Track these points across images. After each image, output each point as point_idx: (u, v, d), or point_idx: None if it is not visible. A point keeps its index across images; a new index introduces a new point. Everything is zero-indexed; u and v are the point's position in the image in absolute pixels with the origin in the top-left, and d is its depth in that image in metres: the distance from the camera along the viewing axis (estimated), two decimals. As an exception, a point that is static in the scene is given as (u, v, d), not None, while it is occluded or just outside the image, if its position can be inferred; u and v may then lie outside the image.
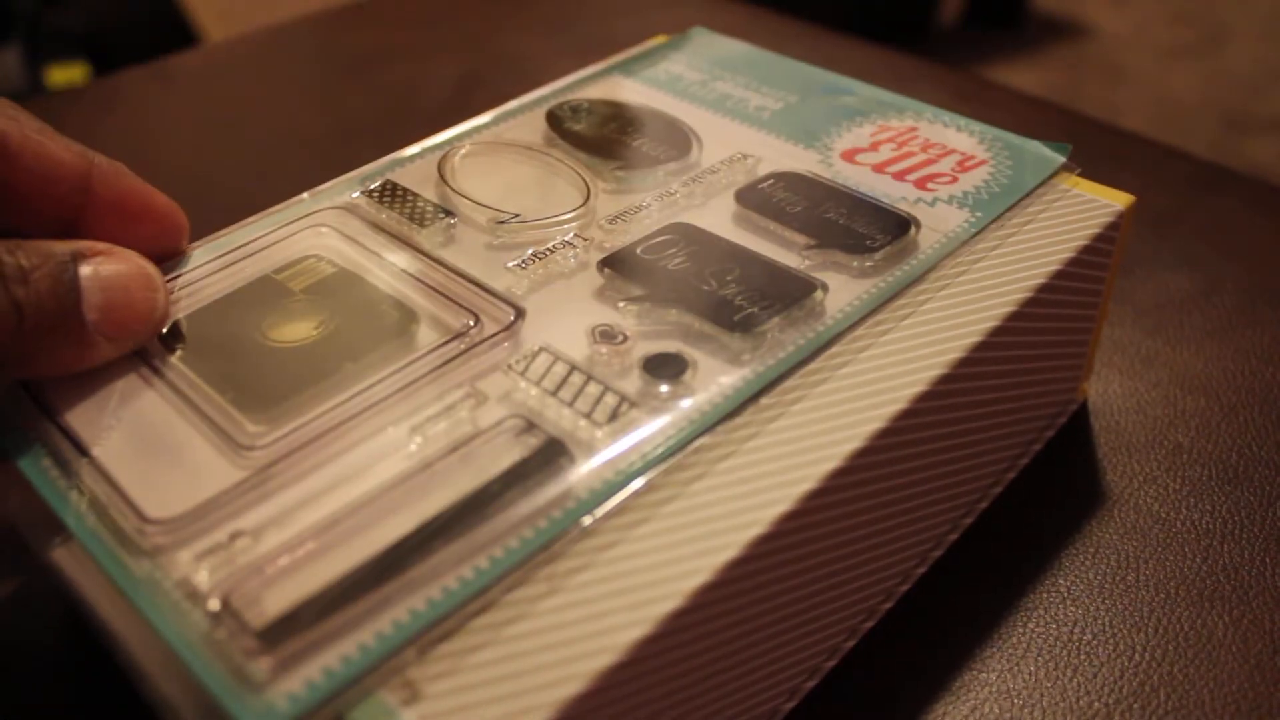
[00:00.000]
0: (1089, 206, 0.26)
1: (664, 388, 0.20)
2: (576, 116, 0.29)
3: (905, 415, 0.21)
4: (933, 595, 0.24)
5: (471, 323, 0.22)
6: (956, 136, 0.28)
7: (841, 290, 0.23)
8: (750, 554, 0.18)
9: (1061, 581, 0.25)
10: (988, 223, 0.25)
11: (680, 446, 0.19)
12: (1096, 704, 0.22)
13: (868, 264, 0.23)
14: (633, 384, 0.20)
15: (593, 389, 0.20)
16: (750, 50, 0.33)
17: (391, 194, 0.26)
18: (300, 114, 0.47)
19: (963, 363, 0.22)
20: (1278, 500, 0.27)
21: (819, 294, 0.22)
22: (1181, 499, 0.27)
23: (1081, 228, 0.25)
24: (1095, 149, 0.42)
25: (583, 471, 0.19)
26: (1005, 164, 0.27)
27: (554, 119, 0.29)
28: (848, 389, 0.21)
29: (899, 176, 0.26)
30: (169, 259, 0.24)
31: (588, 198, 0.26)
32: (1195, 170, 0.40)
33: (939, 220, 0.25)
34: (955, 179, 0.26)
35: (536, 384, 0.20)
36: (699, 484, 0.19)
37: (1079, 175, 0.27)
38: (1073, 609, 0.24)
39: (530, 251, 0.24)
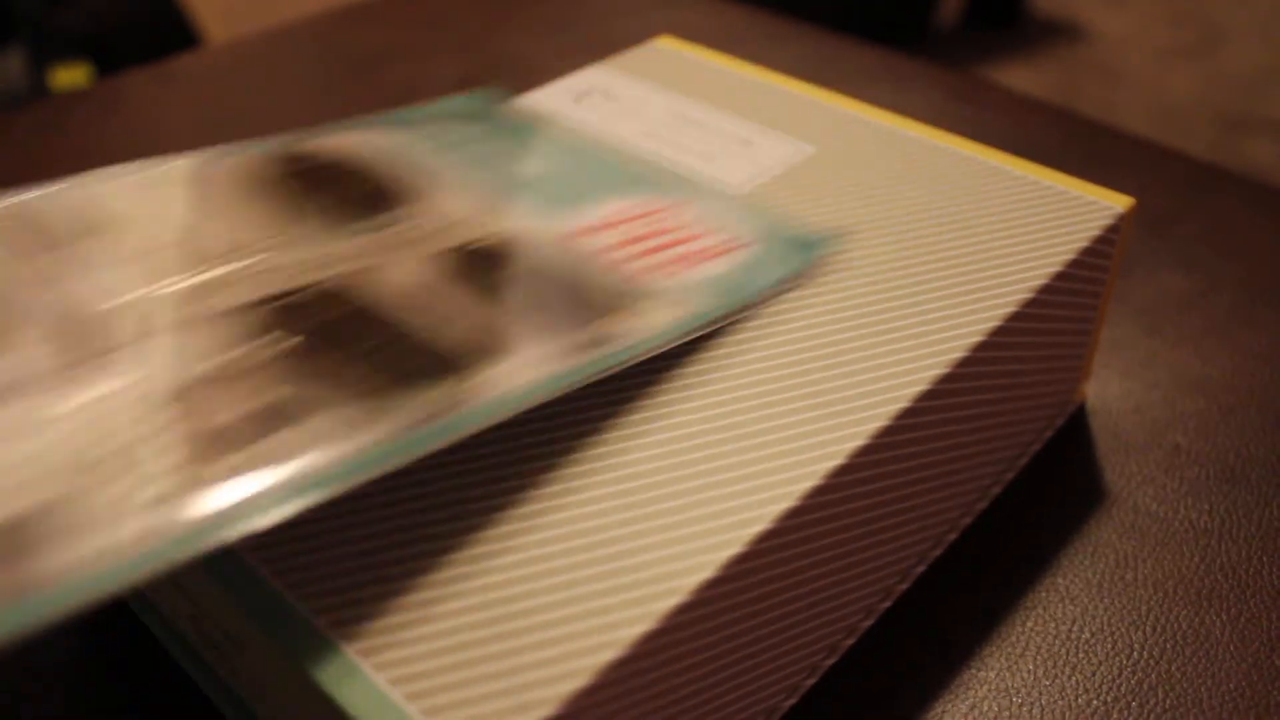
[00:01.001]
0: (1088, 209, 0.26)
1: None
2: (296, 170, 0.25)
3: (907, 414, 0.21)
4: (932, 594, 0.25)
5: None
6: (716, 222, 0.25)
7: (516, 370, 0.20)
8: (752, 550, 0.18)
9: (1060, 580, 0.25)
10: (705, 320, 0.22)
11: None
12: (1095, 702, 0.22)
13: (550, 347, 0.21)
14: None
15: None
16: (560, 131, 0.29)
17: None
18: (301, 115, 0.47)
19: (964, 363, 0.22)
20: (1275, 499, 0.27)
21: (471, 372, 0.20)
22: (1179, 499, 0.27)
23: (1081, 230, 0.25)
24: (1093, 150, 0.42)
25: None
26: (751, 258, 0.24)
27: (276, 168, 0.25)
28: (849, 387, 0.21)
29: (622, 262, 0.24)
30: None
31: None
32: (1193, 171, 0.40)
33: (648, 308, 0.22)
34: (690, 267, 0.24)
35: None
36: (702, 480, 0.19)
37: (1074, 176, 0.27)
38: (1071, 608, 0.24)
39: None
